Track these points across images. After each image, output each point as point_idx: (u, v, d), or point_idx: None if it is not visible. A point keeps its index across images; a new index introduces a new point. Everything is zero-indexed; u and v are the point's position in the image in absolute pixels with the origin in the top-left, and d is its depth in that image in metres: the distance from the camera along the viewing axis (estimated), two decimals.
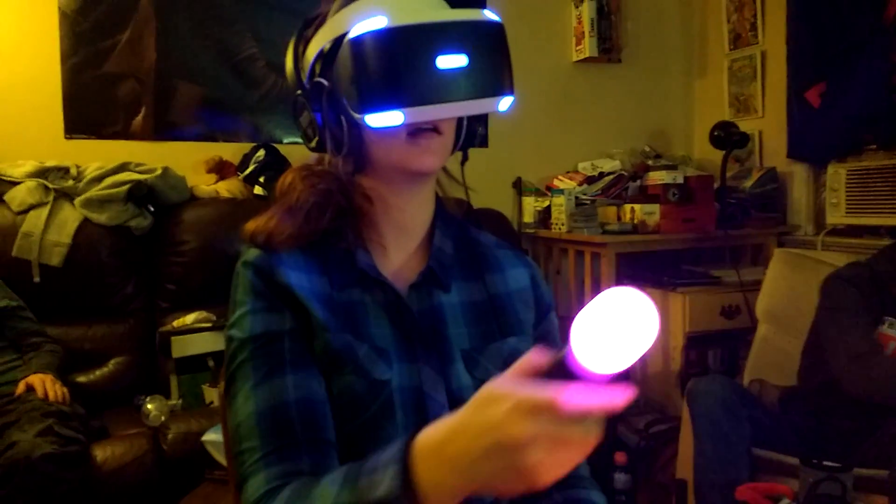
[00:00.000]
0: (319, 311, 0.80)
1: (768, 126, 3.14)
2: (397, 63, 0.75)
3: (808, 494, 1.48)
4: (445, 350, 0.85)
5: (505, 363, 0.86)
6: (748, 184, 3.03)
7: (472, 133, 0.90)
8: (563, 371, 0.53)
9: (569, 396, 0.51)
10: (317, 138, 0.84)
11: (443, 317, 0.86)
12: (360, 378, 0.79)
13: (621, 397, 0.52)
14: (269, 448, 0.74)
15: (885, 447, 1.68)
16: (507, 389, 0.54)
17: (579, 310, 0.53)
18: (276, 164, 2.79)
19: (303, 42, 0.87)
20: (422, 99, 0.75)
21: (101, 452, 1.92)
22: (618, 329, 0.51)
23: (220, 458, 1.66)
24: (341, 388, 0.79)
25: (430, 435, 0.60)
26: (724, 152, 2.88)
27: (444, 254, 0.89)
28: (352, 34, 0.76)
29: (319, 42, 0.84)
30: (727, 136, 2.87)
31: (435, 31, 0.76)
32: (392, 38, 0.75)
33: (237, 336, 0.80)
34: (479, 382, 0.84)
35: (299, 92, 0.85)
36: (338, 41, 0.80)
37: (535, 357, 0.57)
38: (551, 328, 0.96)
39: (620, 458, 2.08)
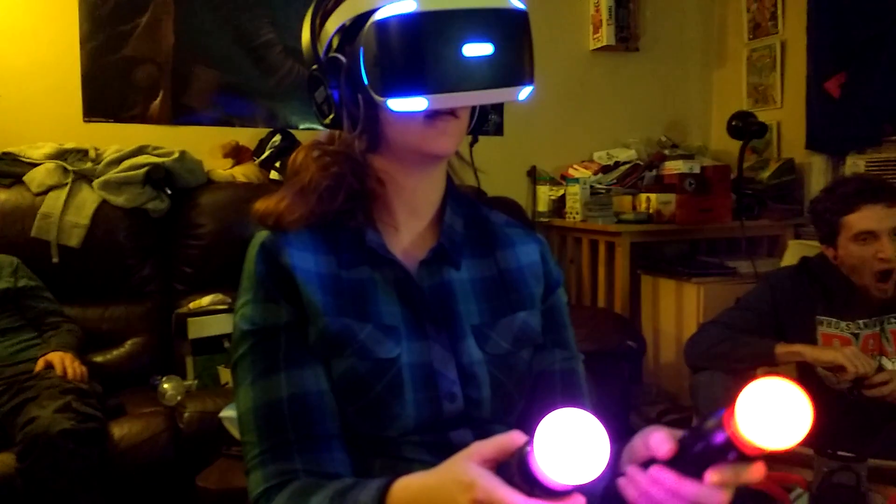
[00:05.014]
0: (318, 295, 0.81)
1: (787, 117, 3.11)
2: (424, 49, 0.74)
3: (821, 484, 1.47)
4: (455, 326, 0.85)
5: (515, 337, 0.88)
6: (765, 175, 3.01)
7: (484, 116, 0.89)
8: (524, 471, 0.57)
9: None
10: (332, 115, 0.83)
11: (453, 293, 0.87)
12: (363, 360, 0.80)
13: None
14: (265, 446, 0.79)
15: None
16: (479, 479, 0.59)
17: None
18: (291, 150, 2.72)
19: (320, 15, 0.85)
20: (446, 86, 0.75)
21: (119, 430, 1.94)
22: (578, 449, 0.55)
23: (237, 433, 1.68)
24: (343, 370, 0.80)
25: (403, 490, 0.64)
26: (741, 143, 2.86)
27: (454, 231, 0.89)
28: (379, 15, 0.75)
29: (340, 17, 0.82)
30: (745, 126, 2.85)
31: (463, 18, 0.75)
32: (420, 24, 0.74)
33: (239, 326, 0.83)
34: (489, 357, 0.86)
35: (315, 67, 0.84)
36: (361, 19, 0.78)
37: (512, 439, 0.61)
38: (559, 304, 0.96)
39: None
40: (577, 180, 2.99)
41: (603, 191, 3.00)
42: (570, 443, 0.55)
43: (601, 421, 0.56)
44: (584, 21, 3.39)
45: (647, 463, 0.68)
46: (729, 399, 0.59)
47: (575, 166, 3.27)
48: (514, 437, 0.60)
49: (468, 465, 0.60)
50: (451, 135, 0.82)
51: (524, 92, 0.80)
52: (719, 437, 0.58)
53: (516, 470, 0.58)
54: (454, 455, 0.63)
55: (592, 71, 3.41)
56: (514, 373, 0.87)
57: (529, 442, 0.56)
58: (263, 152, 2.84)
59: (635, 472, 0.67)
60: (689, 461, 0.62)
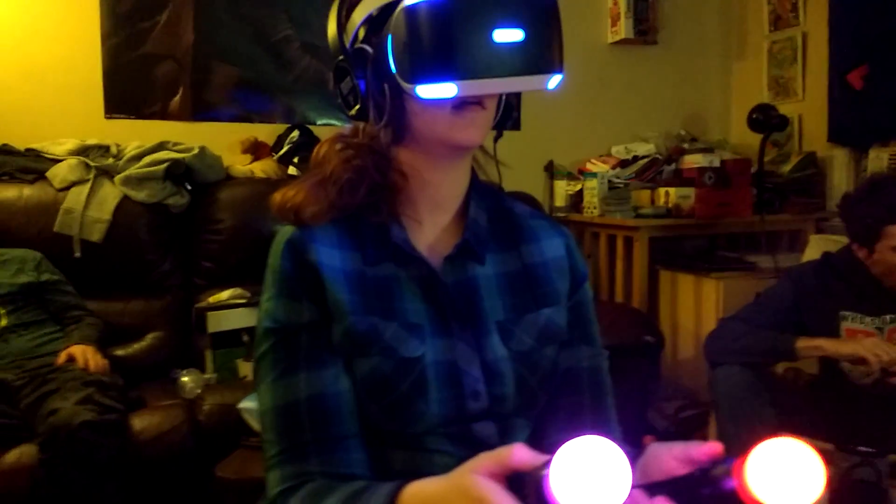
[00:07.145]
0: (345, 293, 0.81)
1: (808, 109, 3.07)
2: (454, 34, 0.73)
3: (842, 479, 1.46)
4: (480, 322, 0.85)
5: (540, 334, 0.87)
6: (786, 168, 2.98)
7: (509, 111, 0.88)
8: (539, 495, 0.55)
9: None
10: (357, 106, 0.82)
11: (478, 288, 0.86)
12: (388, 358, 0.80)
13: None
14: (283, 446, 0.79)
15: None
16: (490, 495, 0.57)
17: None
18: (309, 145, 2.81)
19: (346, 6, 0.85)
20: (476, 72, 0.74)
21: (139, 422, 1.97)
22: (596, 478, 0.53)
23: (256, 424, 1.70)
24: (368, 369, 0.80)
25: (413, 497, 0.64)
26: (762, 136, 2.83)
27: (479, 225, 0.89)
28: (408, 1, 0.74)
29: (367, 7, 0.82)
30: (766, 119, 2.81)
31: (494, 3, 0.75)
32: (451, 9, 0.73)
33: (262, 323, 0.83)
34: (514, 354, 0.85)
35: (341, 58, 0.83)
36: (389, 7, 0.78)
37: (519, 454, 0.59)
38: (585, 299, 0.95)
39: (648, 441, 2.09)
40: (594, 175, 2.97)
41: (621, 185, 2.98)
42: (589, 472, 0.53)
43: (622, 447, 0.54)
44: (602, 14, 3.37)
45: (652, 486, 0.68)
46: (743, 448, 0.58)
47: (593, 160, 3.25)
48: (516, 453, 0.59)
49: (478, 480, 0.59)
50: (478, 125, 0.81)
51: (554, 80, 0.79)
52: (726, 486, 0.58)
53: (532, 491, 0.56)
54: (461, 466, 0.63)
55: (610, 64, 3.39)
56: (538, 370, 0.87)
57: (547, 465, 0.55)
58: (282, 148, 2.86)
59: (640, 497, 0.67)
60: (694, 501, 0.62)
